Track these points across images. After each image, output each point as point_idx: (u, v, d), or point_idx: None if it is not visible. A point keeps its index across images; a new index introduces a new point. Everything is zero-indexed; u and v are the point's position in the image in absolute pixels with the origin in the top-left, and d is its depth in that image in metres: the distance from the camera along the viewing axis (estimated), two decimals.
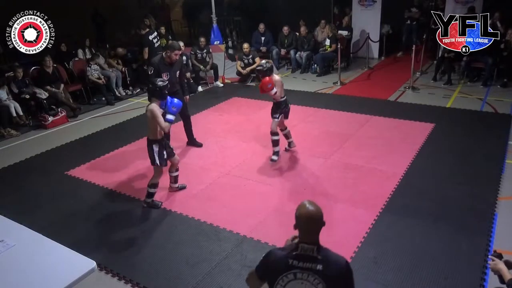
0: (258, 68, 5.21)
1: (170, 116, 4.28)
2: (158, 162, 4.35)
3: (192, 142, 6.18)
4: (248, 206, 4.50)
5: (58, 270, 2.70)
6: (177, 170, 4.77)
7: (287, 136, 5.75)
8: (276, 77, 5.24)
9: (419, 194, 4.61)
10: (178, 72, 5.54)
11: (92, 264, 2.74)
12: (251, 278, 2.13)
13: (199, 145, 6.15)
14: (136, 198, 4.83)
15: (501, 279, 2.30)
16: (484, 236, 3.83)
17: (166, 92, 4.30)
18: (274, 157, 5.51)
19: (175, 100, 4.36)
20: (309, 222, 1.94)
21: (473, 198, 4.46)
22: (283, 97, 5.35)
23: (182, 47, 8.89)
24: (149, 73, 5.38)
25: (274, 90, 5.14)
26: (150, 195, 4.56)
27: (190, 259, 3.76)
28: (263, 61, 5.31)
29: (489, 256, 2.42)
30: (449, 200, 4.45)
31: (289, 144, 5.83)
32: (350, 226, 4.09)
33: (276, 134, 5.43)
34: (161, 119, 4.19)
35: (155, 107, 4.21)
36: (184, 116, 5.99)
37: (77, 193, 5.03)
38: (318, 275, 1.88)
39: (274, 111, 5.40)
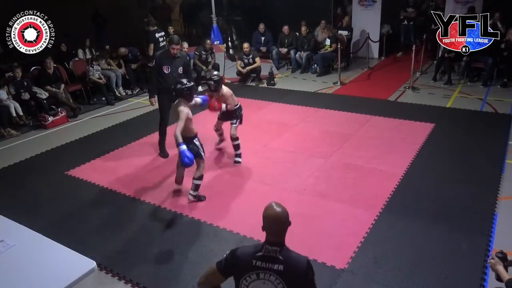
0: (209, 83, 5.11)
1: (182, 147, 4.05)
2: (202, 152, 4.44)
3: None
4: (248, 206, 4.49)
5: (58, 270, 2.71)
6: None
7: (221, 134, 5.86)
8: (224, 89, 5.20)
9: (419, 194, 4.61)
10: (181, 68, 5.52)
11: (92, 264, 2.74)
12: (211, 275, 2.16)
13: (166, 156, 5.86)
14: (136, 198, 4.83)
15: (498, 277, 2.32)
16: (484, 236, 3.83)
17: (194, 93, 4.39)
18: (238, 159, 5.53)
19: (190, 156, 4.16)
20: (276, 223, 2.02)
21: (473, 198, 4.46)
22: (237, 104, 5.38)
23: (185, 48, 8.92)
24: (151, 65, 5.38)
25: (224, 106, 5.18)
26: (197, 187, 4.59)
27: (190, 259, 3.76)
28: (214, 72, 5.18)
29: (490, 254, 2.42)
30: (449, 200, 4.45)
31: (220, 141, 5.95)
32: (350, 226, 4.09)
33: (237, 138, 5.44)
34: (182, 123, 4.17)
35: (183, 108, 4.23)
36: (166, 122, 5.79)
37: (77, 193, 5.03)
38: (278, 275, 1.98)
39: (231, 118, 5.41)
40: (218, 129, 5.78)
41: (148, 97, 5.83)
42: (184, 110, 4.23)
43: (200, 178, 4.57)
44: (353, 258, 3.63)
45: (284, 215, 2.03)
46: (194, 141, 4.41)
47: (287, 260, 1.99)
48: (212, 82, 5.06)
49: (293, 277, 1.99)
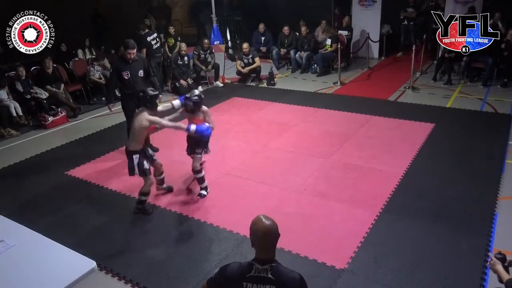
0: (187, 103, 4.35)
1: (193, 128, 4.22)
2: (137, 172, 4.28)
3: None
4: (248, 206, 4.49)
5: (58, 270, 2.71)
6: (161, 173, 4.70)
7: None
8: (204, 108, 4.50)
9: (419, 194, 4.61)
10: (141, 71, 5.50)
11: (92, 264, 2.74)
12: None
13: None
14: (136, 198, 4.81)
15: (500, 278, 2.32)
16: (484, 236, 3.83)
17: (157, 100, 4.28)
18: (204, 192, 4.75)
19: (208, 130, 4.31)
20: (267, 238, 1.92)
21: (473, 198, 4.46)
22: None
23: (185, 49, 8.93)
24: (110, 72, 5.38)
25: (206, 125, 4.41)
26: (141, 202, 4.49)
27: (190, 259, 3.76)
28: (196, 91, 4.46)
29: (489, 254, 2.42)
30: (449, 200, 4.45)
31: (203, 188, 4.80)
32: (350, 226, 4.09)
33: (200, 171, 4.65)
34: (161, 120, 4.19)
35: (149, 115, 4.15)
36: None
37: (77, 193, 5.03)
38: None
39: (197, 146, 4.56)
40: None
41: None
42: (148, 119, 4.11)
43: (145, 194, 4.42)
44: (353, 258, 3.63)
45: (274, 229, 1.92)
46: (139, 156, 4.23)
47: (279, 279, 1.89)
48: (191, 103, 4.34)
49: None
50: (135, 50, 5.44)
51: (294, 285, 1.91)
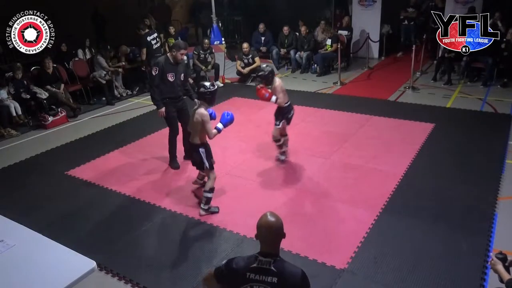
0: (260, 73, 4.94)
1: (220, 126, 4.26)
2: (207, 165, 4.30)
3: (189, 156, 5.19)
4: (248, 206, 4.49)
5: (58, 270, 2.70)
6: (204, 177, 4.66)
7: (283, 144, 5.43)
8: (276, 81, 4.96)
9: (419, 194, 4.61)
10: (183, 74, 5.29)
11: (92, 264, 2.73)
12: (209, 280, 2.16)
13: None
14: (136, 198, 4.83)
15: (501, 278, 2.33)
16: (484, 236, 3.83)
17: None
18: (282, 157, 5.42)
19: (230, 112, 4.35)
20: (269, 233, 2.00)
21: (473, 198, 4.46)
22: (287, 102, 5.09)
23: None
24: (154, 73, 5.08)
25: (274, 97, 4.92)
26: (208, 200, 4.40)
27: (191, 259, 3.76)
28: (264, 64, 5.03)
29: (490, 254, 2.43)
30: (449, 200, 4.45)
31: (282, 153, 5.49)
32: (350, 226, 4.09)
33: (278, 140, 5.31)
34: (210, 126, 4.18)
35: (205, 111, 4.17)
36: (187, 124, 5.70)
37: (77, 193, 5.03)
38: (272, 287, 1.95)
39: (276, 117, 5.17)
40: (283, 135, 5.34)
41: (148, 98, 5.70)
42: (206, 113, 4.15)
43: (211, 190, 4.39)
44: (353, 258, 3.63)
45: (276, 225, 2.00)
46: (205, 149, 4.28)
47: (281, 272, 1.96)
48: (259, 79, 4.97)
49: None
50: (186, 51, 5.25)
51: (296, 279, 1.96)
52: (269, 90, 4.94)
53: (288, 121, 5.25)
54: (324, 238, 3.94)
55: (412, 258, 3.60)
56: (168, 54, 5.24)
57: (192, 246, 3.95)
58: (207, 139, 4.31)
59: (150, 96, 5.59)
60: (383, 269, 3.50)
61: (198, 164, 4.37)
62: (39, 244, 2.98)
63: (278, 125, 5.14)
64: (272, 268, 1.96)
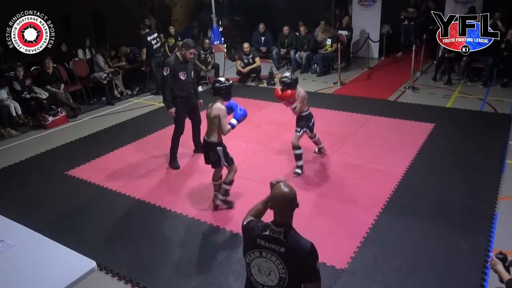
0: (283, 79, 4.82)
1: (234, 122, 4.22)
2: (225, 163, 4.27)
3: (199, 149, 5.54)
4: (248, 206, 4.40)
5: (58, 270, 2.70)
6: (221, 177, 4.55)
7: (316, 143, 5.57)
8: (300, 91, 4.95)
9: (419, 194, 4.61)
10: (192, 72, 5.33)
11: (92, 264, 2.73)
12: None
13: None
14: (136, 198, 4.83)
15: (501, 278, 2.33)
16: (484, 236, 3.83)
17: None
18: (298, 170, 5.18)
19: (243, 107, 4.32)
20: (282, 203, 2.07)
21: (473, 198, 4.46)
22: (307, 111, 5.09)
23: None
24: (165, 74, 5.09)
25: (294, 104, 4.92)
26: (226, 192, 4.44)
27: (190, 259, 3.76)
28: (287, 73, 4.93)
29: (490, 254, 2.43)
30: (449, 200, 4.45)
31: (319, 149, 5.65)
32: (350, 226, 4.09)
33: (298, 148, 5.08)
34: (226, 121, 4.12)
35: (222, 106, 4.13)
36: (197, 121, 5.71)
37: (77, 193, 5.03)
38: (279, 256, 2.02)
39: (296, 124, 5.14)
40: (312, 137, 5.43)
41: (162, 100, 5.52)
42: (223, 108, 4.12)
43: (230, 183, 4.40)
44: (353, 258, 3.63)
45: (290, 196, 2.06)
46: (222, 147, 4.24)
47: (290, 243, 2.01)
48: (282, 85, 4.85)
49: (293, 260, 2.01)
50: (195, 50, 5.23)
51: (303, 252, 2.03)
52: (295, 97, 4.88)
53: (311, 130, 5.22)
54: (324, 238, 3.93)
55: (412, 258, 3.60)
56: (177, 53, 5.25)
57: (192, 246, 3.95)
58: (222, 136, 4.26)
59: (151, 95, 5.57)
60: (383, 269, 3.50)
61: (213, 163, 4.31)
62: (39, 244, 2.98)
63: (299, 132, 5.09)
64: (282, 238, 2.02)
